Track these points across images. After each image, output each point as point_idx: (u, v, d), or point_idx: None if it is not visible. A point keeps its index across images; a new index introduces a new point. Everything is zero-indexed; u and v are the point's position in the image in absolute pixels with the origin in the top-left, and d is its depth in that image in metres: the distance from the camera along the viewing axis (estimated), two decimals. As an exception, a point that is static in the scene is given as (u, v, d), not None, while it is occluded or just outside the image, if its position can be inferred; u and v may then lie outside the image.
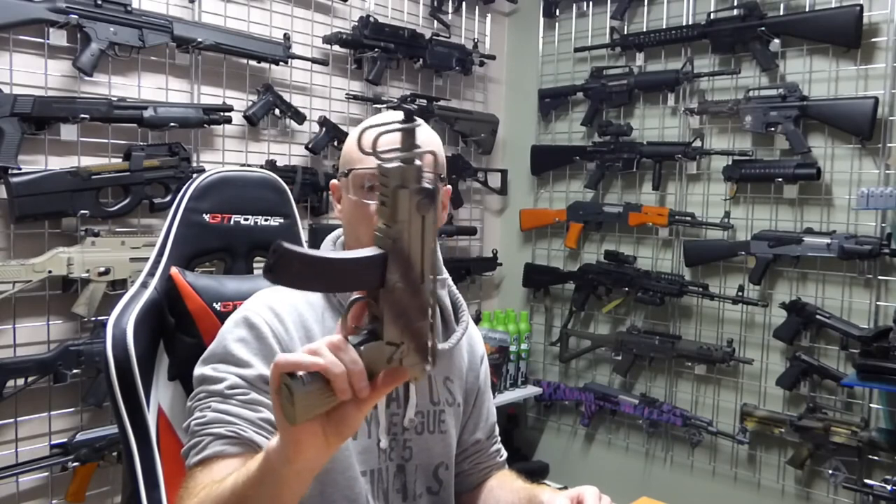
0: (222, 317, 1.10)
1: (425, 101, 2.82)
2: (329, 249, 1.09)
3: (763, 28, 2.43)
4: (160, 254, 1.17)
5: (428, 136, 1.04)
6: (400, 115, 1.05)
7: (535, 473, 3.06)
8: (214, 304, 1.12)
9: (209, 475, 0.89)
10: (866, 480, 2.23)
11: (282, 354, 0.67)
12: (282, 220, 1.31)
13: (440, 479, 1.10)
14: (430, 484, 1.09)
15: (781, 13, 2.46)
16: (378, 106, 2.69)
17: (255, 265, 1.35)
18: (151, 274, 1.15)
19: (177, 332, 1.12)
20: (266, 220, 1.29)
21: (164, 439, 1.09)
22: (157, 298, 1.12)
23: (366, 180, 1.00)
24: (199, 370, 0.99)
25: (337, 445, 0.70)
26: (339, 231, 1.12)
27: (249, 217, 1.27)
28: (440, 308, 1.11)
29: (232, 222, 1.25)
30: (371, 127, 1.02)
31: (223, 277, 1.23)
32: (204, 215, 1.22)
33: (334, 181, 1.09)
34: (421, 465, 1.07)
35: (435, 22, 2.96)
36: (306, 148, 2.51)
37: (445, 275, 1.15)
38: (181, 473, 0.99)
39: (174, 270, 1.14)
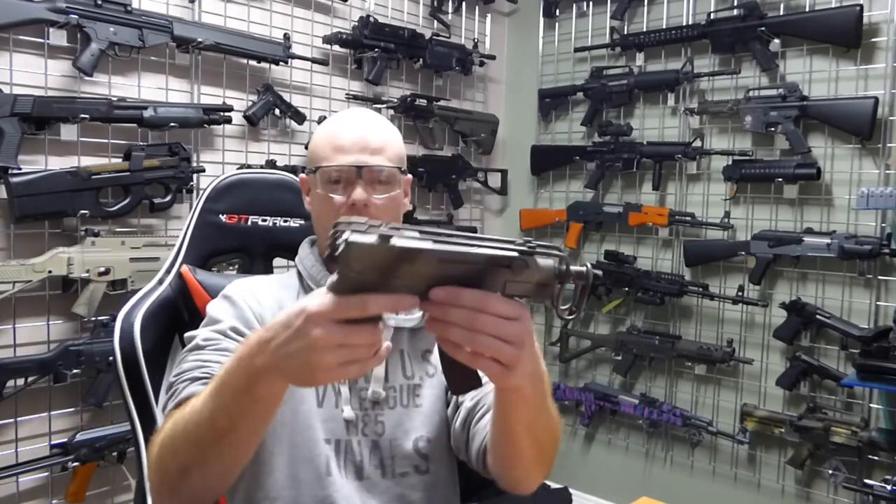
0: None
1: (425, 101, 2.82)
2: (307, 250, 1.15)
3: (763, 28, 2.43)
4: (177, 253, 1.21)
5: (381, 124, 1.10)
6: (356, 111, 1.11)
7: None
8: None
9: (180, 413, 0.89)
10: (866, 480, 2.23)
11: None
12: (302, 222, 1.32)
13: (424, 454, 1.07)
14: (417, 462, 1.06)
15: (781, 13, 2.46)
16: (378, 106, 2.69)
17: (274, 265, 1.38)
18: (168, 271, 1.19)
19: (189, 327, 1.14)
20: (286, 221, 1.31)
21: None
22: (171, 295, 1.16)
23: (332, 175, 1.06)
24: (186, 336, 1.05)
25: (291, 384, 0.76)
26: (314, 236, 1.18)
27: (268, 218, 1.29)
28: None
29: (249, 223, 1.28)
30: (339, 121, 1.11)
31: (236, 276, 1.25)
32: (220, 216, 1.25)
33: (303, 175, 1.14)
34: (395, 441, 1.05)
35: (435, 22, 2.96)
36: (306, 148, 2.50)
37: None
38: None
39: (185, 268, 1.17)
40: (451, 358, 0.71)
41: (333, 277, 0.66)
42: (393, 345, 1.03)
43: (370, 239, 0.62)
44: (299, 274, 1.13)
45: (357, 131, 1.07)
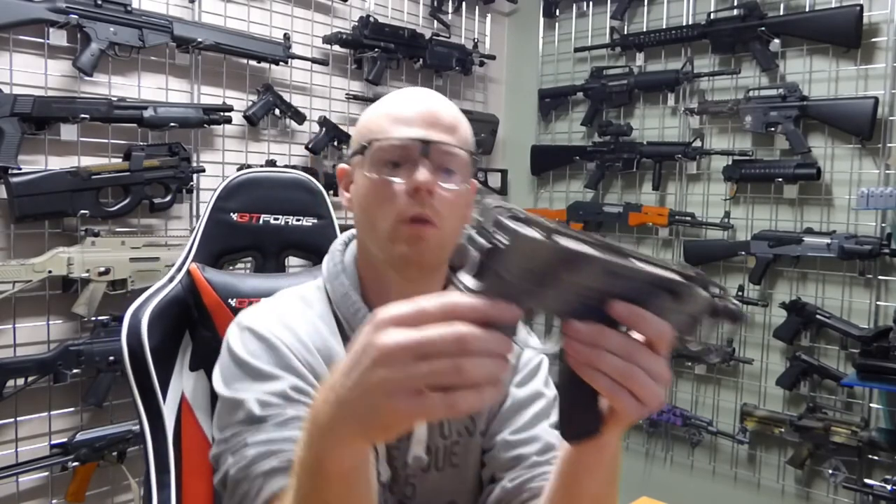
0: (237, 312, 1.13)
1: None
2: (339, 251, 0.95)
3: (763, 28, 2.43)
4: (189, 251, 1.22)
5: (451, 104, 0.90)
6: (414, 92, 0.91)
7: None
8: (230, 301, 1.15)
9: None
10: (866, 480, 2.23)
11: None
12: (315, 221, 1.33)
13: None
14: None
15: (781, 13, 2.46)
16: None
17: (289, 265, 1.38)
18: (179, 269, 1.20)
19: (198, 325, 1.16)
20: (298, 220, 1.31)
21: (185, 424, 1.13)
22: (180, 292, 1.17)
23: (389, 153, 0.84)
24: (218, 390, 0.85)
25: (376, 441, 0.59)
26: (347, 233, 1.00)
27: (280, 217, 1.30)
28: None
29: (261, 222, 1.28)
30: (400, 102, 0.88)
31: (244, 275, 1.27)
32: (231, 214, 1.25)
33: (343, 165, 0.94)
34: None
35: (435, 22, 2.96)
36: (306, 148, 2.51)
37: None
38: (199, 455, 1.00)
39: (193, 266, 1.18)
40: (578, 396, 0.59)
41: (469, 280, 0.51)
42: None
43: (535, 233, 0.50)
44: (328, 298, 0.92)
45: (424, 103, 0.87)
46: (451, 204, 0.84)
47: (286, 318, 0.87)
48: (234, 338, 0.86)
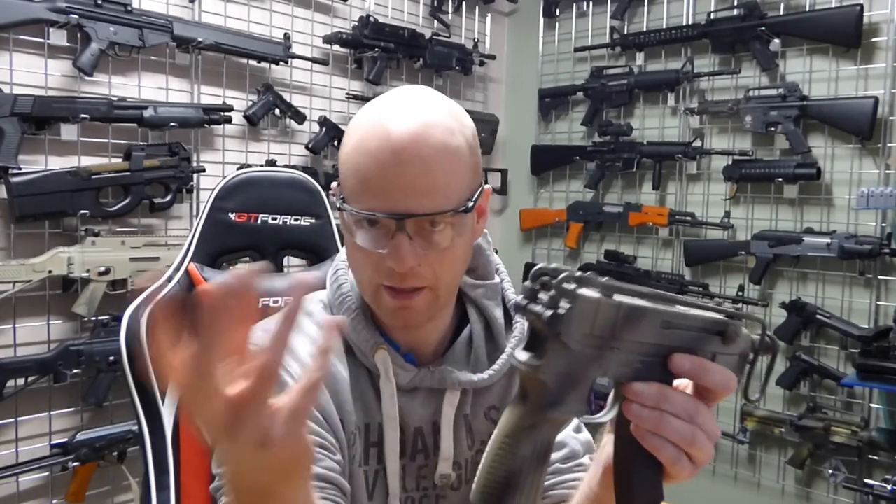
0: None
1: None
2: (342, 269, 0.90)
3: (763, 28, 2.43)
4: (187, 251, 1.22)
5: (441, 139, 0.78)
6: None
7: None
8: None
9: None
10: (866, 480, 2.23)
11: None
12: (313, 220, 1.32)
13: None
14: None
15: (781, 13, 2.46)
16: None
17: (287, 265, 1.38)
18: (177, 269, 1.20)
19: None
20: (296, 219, 1.31)
21: (184, 425, 1.13)
22: (178, 293, 1.17)
23: (362, 221, 0.74)
24: None
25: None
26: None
27: (278, 217, 1.29)
28: (488, 320, 0.90)
29: (259, 221, 1.27)
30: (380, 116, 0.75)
31: None
32: (229, 214, 1.25)
33: (335, 184, 0.88)
34: None
35: (435, 22, 2.96)
36: (306, 148, 2.51)
37: (496, 279, 0.92)
38: (198, 456, 0.99)
39: (192, 266, 1.18)
40: (641, 468, 0.58)
41: (524, 355, 0.49)
42: (456, 411, 0.85)
43: (595, 293, 0.47)
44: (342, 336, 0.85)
45: (399, 155, 0.71)
46: (443, 259, 0.74)
47: (294, 347, 0.82)
48: None
